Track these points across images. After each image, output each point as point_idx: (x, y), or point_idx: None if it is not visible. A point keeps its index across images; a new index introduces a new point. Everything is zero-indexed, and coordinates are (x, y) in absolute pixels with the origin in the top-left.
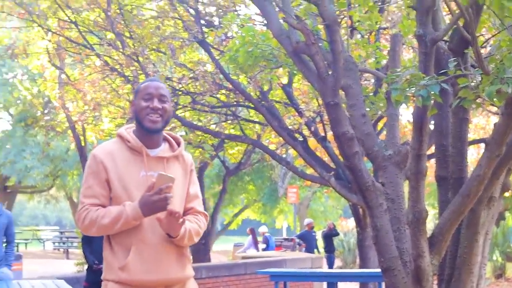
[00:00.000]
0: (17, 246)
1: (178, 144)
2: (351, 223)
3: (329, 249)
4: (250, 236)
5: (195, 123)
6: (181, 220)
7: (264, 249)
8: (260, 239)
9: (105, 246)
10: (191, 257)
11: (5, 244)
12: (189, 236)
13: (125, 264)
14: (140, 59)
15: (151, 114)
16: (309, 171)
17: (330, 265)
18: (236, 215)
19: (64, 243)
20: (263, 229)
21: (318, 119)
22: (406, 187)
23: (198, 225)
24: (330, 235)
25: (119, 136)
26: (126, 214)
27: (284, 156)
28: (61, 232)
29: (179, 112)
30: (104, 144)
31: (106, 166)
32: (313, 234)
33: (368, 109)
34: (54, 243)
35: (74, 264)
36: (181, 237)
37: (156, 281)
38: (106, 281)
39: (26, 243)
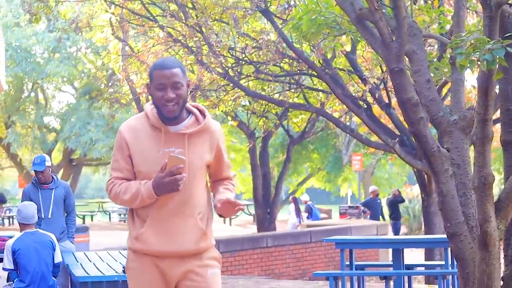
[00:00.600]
0: (83, 218)
1: (204, 116)
2: (415, 189)
3: (395, 216)
4: (293, 205)
5: (258, 92)
6: (238, 207)
7: (307, 218)
8: (302, 208)
9: (129, 215)
10: (208, 229)
11: (66, 215)
12: None
13: (139, 234)
14: (203, 29)
15: (167, 104)
16: (374, 138)
17: (396, 232)
18: (301, 184)
19: None
20: (305, 197)
21: (382, 86)
22: (471, 152)
23: (233, 193)
24: (395, 202)
25: (144, 112)
26: (141, 193)
27: (348, 123)
28: None
29: (242, 82)
30: (130, 119)
31: (128, 142)
32: (378, 201)
33: (432, 74)
34: (119, 214)
35: None
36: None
37: (167, 252)
38: (128, 249)
39: (92, 215)
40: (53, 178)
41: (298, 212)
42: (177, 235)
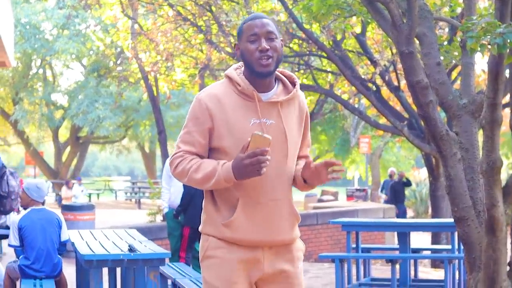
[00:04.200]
0: (90, 197)
1: (293, 84)
2: (423, 173)
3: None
4: None
5: None
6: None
7: None
8: None
9: (207, 199)
10: (299, 215)
11: None
12: None
13: (229, 221)
14: (213, 8)
15: (262, 58)
16: (382, 120)
17: (402, 215)
18: None
19: (136, 193)
20: None
21: (391, 68)
22: (480, 137)
23: None
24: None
25: (227, 78)
26: (218, 174)
27: (356, 105)
28: (133, 183)
29: None
30: (211, 87)
31: (212, 113)
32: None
33: (442, 57)
34: (126, 193)
35: (146, 214)
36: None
37: (261, 242)
38: (207, 236)
39: (98, 194)
40: None
41: None
42: (273, 223)
